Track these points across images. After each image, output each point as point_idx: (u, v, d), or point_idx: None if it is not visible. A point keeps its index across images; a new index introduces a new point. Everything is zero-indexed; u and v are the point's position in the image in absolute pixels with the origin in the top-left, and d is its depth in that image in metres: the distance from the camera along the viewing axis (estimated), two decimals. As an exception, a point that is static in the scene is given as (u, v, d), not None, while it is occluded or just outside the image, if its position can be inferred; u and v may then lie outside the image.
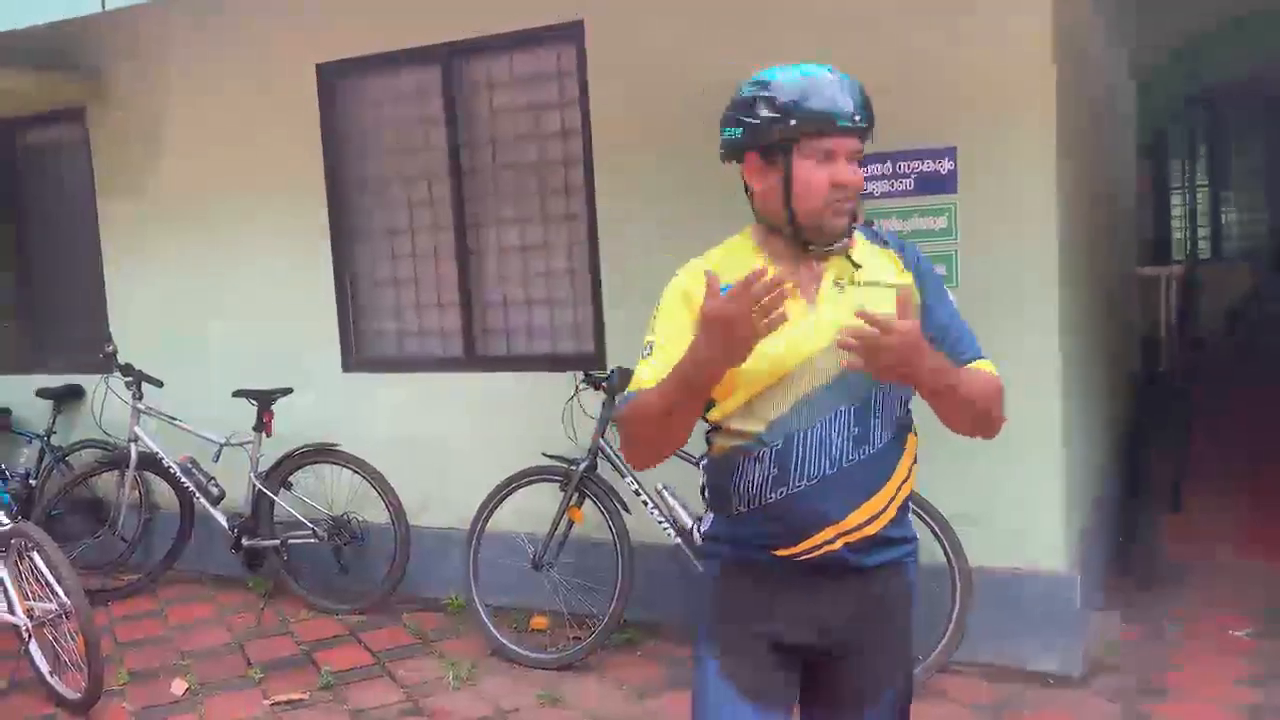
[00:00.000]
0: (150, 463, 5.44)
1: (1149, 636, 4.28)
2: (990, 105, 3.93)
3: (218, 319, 5.74)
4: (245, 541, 5.24)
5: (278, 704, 4.10)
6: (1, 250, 6.61)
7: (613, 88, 4.63)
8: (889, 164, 4.07)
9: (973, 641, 3.90)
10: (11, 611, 4.13)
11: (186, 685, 4.30)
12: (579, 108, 4.77)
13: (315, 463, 5.18)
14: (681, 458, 4.02)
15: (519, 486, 4.51)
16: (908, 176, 4.08)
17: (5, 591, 4.14)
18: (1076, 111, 4.52)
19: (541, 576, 4.48)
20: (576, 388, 4.49)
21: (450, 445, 5.17)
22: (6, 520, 4.21)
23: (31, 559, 4.15)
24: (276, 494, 5.19)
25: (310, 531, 5.11)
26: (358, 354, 5.47)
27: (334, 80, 5.34)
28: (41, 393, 6.17)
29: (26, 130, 6.42)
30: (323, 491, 5.23)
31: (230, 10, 5.43)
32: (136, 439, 5.40)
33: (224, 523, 5.25)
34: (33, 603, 4.12)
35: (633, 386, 1.92)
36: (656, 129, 4.53)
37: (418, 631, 4.82)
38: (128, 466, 5.41)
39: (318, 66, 5.33)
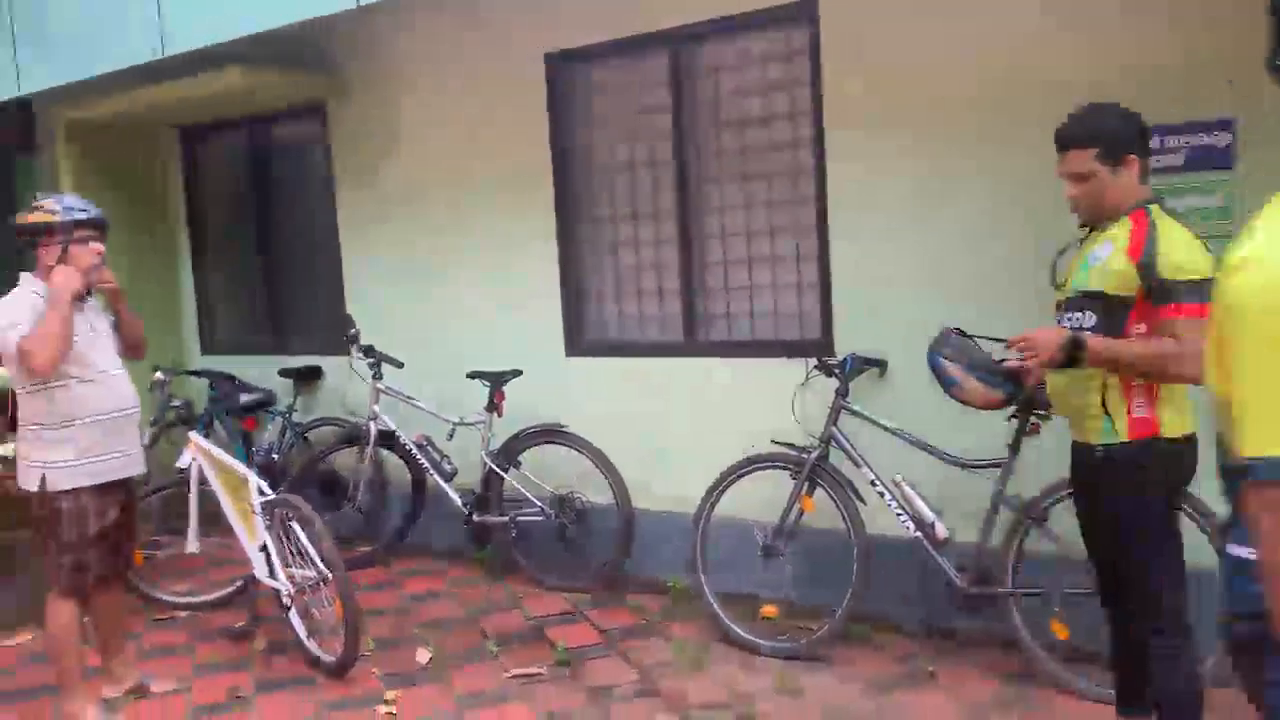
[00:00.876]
0: (387, 440, 5.71)
1: None
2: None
3: (447, 304, 5.96)
4: (476, 517, 5.42)
5: (517, 677, 4.22)
6: (249, 240, 7.07)
7: (848, 69, 4.51)
8: (1155, 139, 3.80)
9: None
10: (274, 577, 4.41)
11: (430, 654, 4.48)
12: (810, 89, 4.68)
13: (543, 443, 5.30)
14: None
15: (748, 472, 4.47)
16: (1177, 151, 3.80)
17: (269, 558, 4.42)
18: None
19: (771, 564, 4.43)
20: (808, 374, 4.41)
21: (670, 429, 5.20)
22: (270, 491, 4.48)
23: (291, 528, 4.42)
24: (506, 472, 5.34)
25: (538, 509, 5.24)
26: (580, 338, 5.57)
27: (562, 69, 5.43)
28: (284, 373, 6.57)
29: (272, 126, 6.82)
30: (549, 471, 5.36)
31: (464, 4, 5.60)
32: (376, 417, 5.68)
33: (457, 499, 5.45)
34: (293, 569, 4.38)
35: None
36: (895, 111, 4.39)
37: (643, 612, 4.87)
38: (367, 443, 5.69)
39: (546, 55, 5.43)
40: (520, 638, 4.68)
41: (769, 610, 4.55)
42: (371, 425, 5.68)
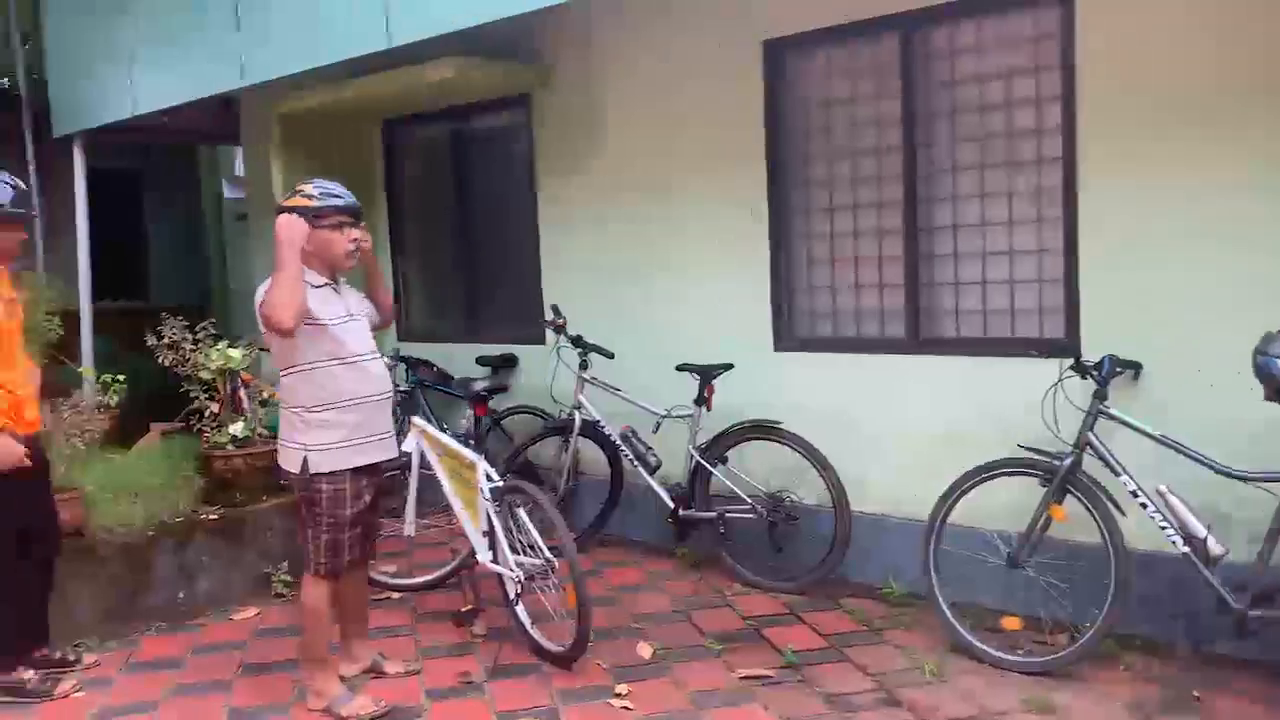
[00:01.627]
0: (590, 430, 5.69)
1: None
2: None
3: (650, 295, 5.90)
4: (682, 512, 5.35)
5: (747, 678, 4.11)
6: (446, 229, 7.17)
7: (1105, 51, 4.25)
8: None
9: None
10: (498, 562, 4.42)
11: (651, 649, 4.42)
12: (1060, 74, 4.43)
13: (755, 439, 5.18)
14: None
15: (990, 477, 4.26)
16: None
17: (494, 543, 4.43)
18: None
19: (1013, 575, 4.21)
20: (1061, 375, 4.17)
21: (886, 429, 5.02)
22: (497, 477, 4.49)
23: (519, 515, 4.41)
24: (715, 467, 5.25)
25: (748, 506, 5.13)
26: (790, 333, 5.44)
27: (781, 56, 5.30)
28: (481, 360, 6.63)
29: (471, 116, 6.90)
30: (756, 468, 5.25)
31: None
32: (580, 407, 5.66)
33: (662, 492, 5.39)
34: (521, 556, 4.37)
35: None
36: (1166, 96, 4.11)
37: (863, 618, 4.71)
38: (572, 433, 5.68)
39: (764, 43, 5.31)
40: (740, 637, 4.57)
41: (1010, 623, 4.33)
42: (576, 415, 5.67)
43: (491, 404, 6.53)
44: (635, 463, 5.48)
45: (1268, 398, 3.41)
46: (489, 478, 4.46)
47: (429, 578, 5.29)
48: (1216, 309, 4.04)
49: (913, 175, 4.93)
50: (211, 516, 5.19)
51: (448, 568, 5.28)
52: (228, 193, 10.66)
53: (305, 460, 3.73)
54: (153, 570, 4.95)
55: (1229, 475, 3.74)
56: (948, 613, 4.31)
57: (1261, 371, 3.24)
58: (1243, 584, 3.69)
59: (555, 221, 6.42)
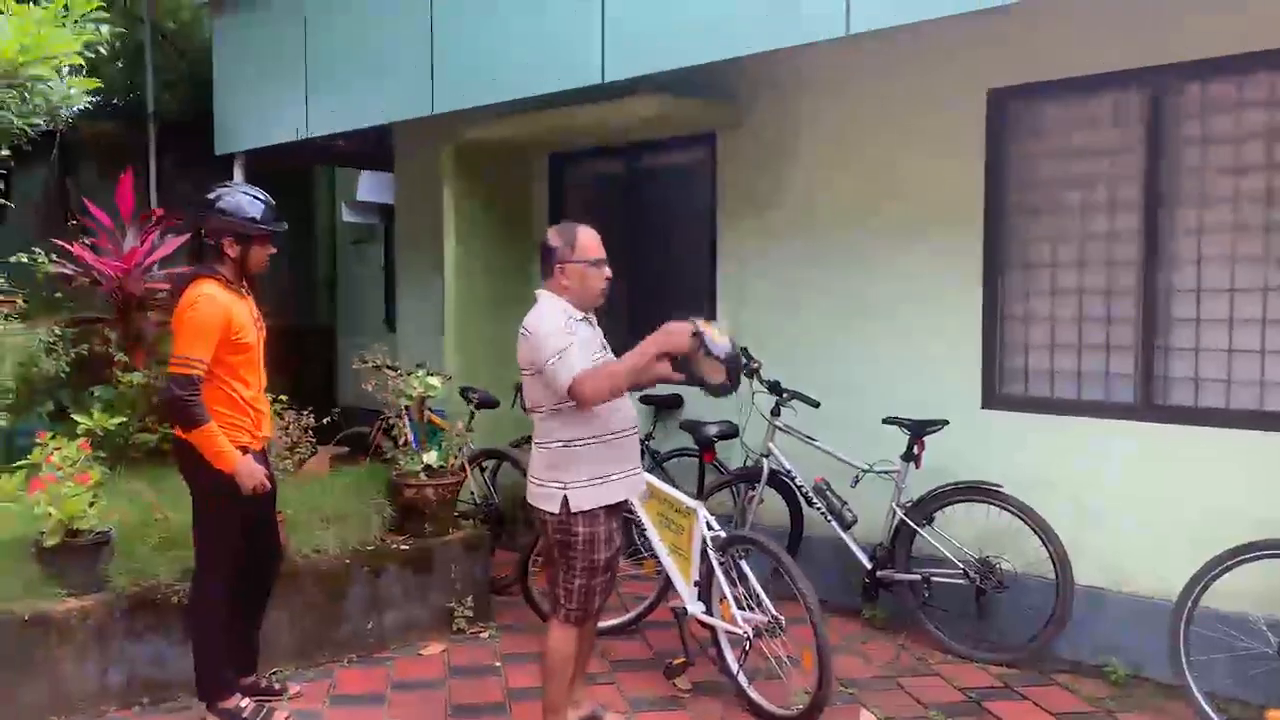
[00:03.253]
0: (779, 480, 5.51)
1: None
2: None
3: (846, 342, 5.73)
4: (880, 572, 5.14)
5: (992, 756, 3.89)
6: (618, 266, 7.06)
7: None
8: None
9: None
10: (718, 615, 4.24)
11: (875, 717, 4.21)
12: (1331, 136, 4.22)
13: (969, 500, 4.97)
14: None
15: (1249, 559, 4.00)
16: None
17: (713, 595, 4.26)
18: None
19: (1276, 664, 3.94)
20: (1337, 455, 3.92)
21: (1108, 498, 4.78)
22: (718, 526, 4.33)
23: (742, 567, 4.24)
24: (921, 528, 5.04)
25: (959, 570, 4.91)
26: (1000, 390, 5.23)
27: (1006, 105, 5.14)
28: (645, 399, 6.49)
29: (653, 153, 6.82)
30: (963, 532, 5.03)
31: (892, 42, 5.39)
32: (769, 454, 5.49)
33: (858, 550, 5.19)
34: (746, 611, 4.19)
35: None
36: None
37: (1089, 699, 4.45)
38: (759, 481, 5.51)
39: (989, 91, 5.16)
40: (961, 711, 4.34)
41: (1276, 715, 4.05)
42: (765, 462, 5.50)
43: (654, 445, 6.49)
44: (829, 517, 5.28)
45: None
46: (709, 526, 4.31)
47: (616, 621, 5.12)
48: None
49: (1153, 234, 4.72)
50: (402, 547, 5.09)
51: (635, 613, 5.12)
52: (346, 216, 10.75)
53: (565, 500, 3.59)
54: (346, 599, 4.85)
55: None
56: (1202, 701, 4.03)
57: None
58: None
59: (736, 262, 6.29)
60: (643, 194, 6.92)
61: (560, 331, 3.55)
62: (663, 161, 6.82)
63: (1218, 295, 4.61)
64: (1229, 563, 4.05)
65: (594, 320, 3.85)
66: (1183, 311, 4.71)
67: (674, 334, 3.56)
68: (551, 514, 3.62)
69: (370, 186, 10.04)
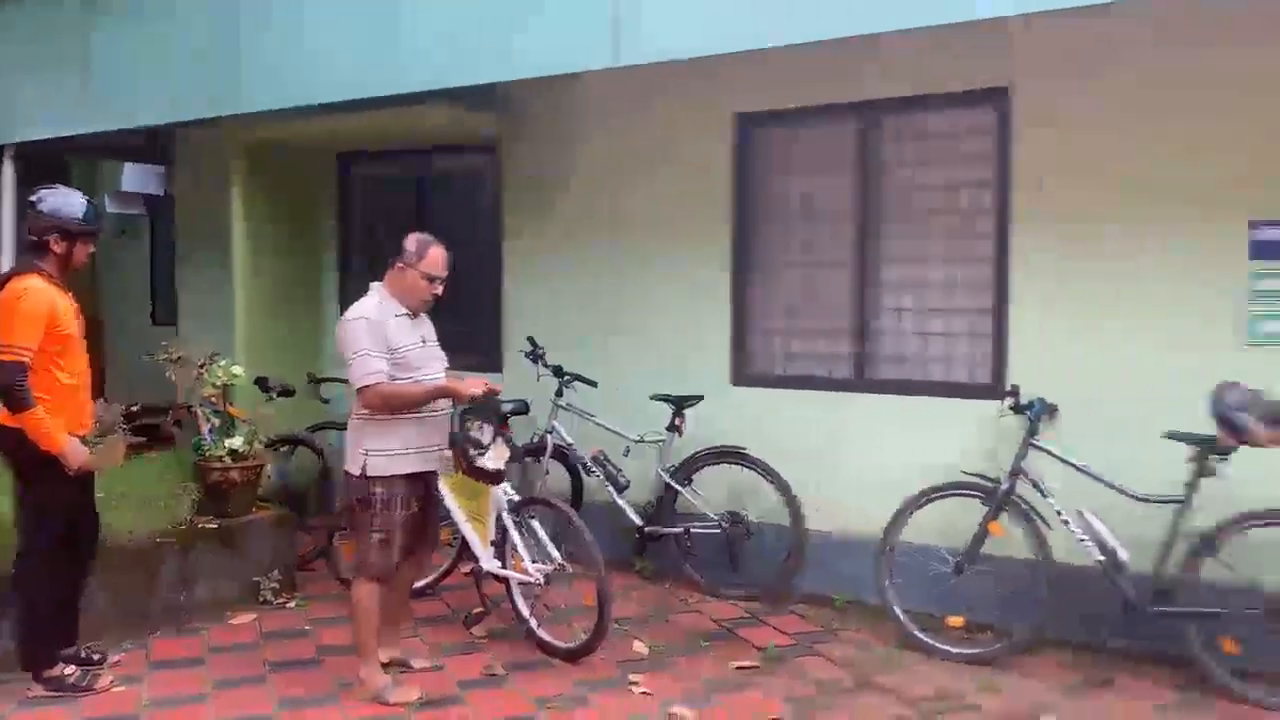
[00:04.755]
0: (561, 453, 6.21)
1: None
2: None
3: (619, 331, 6.49)
4: (648, 528, 5.94)
5: (741, 669, 4.73)
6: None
7: (1036, 146, 5.17)
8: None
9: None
10: (512, 568, 4.89)
11: (646, 647, 4.98)
12: (995, 165, 5.33)
13: (721, 463, 5.84)
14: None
15: (939, 497, 5.05)
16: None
17: (508, 551, 4.90)
18: None
19: (956, 583, 4.99)
20: (1000, 414, 5.02)
21: (831, 458, 5.75)
22: (513, 493, 4.97)
23: (532, 525, 4.90)
24: (683, 487, 5.87)
25: (714, 523, 5.77)
26: (747, 370, 6.13)
27: (751, 127, 6.04)
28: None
29: (441, 157, 7.31)
30: (716, 490, 5.90)
31: (655, 67, 6.17)
32: (553, 430, 6.18)
33: (630, 510, 5.96)
34: (536, 563, 4.84)
35: None
36: (1077, 187, 5.06)
37: (818, 621, 5.41)
38: (544, 455, 6.19)
39: (736, 115, 6.04)
40: (718, 636, 5.19)
41: (955, 621, 5.10)
42: (549, 439, 6.18)
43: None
44: (606, 483, 6.03)
45: (1221, 439, 4.29)
46: (505, 491, 4.94)
47: (421, 583, 5.66)
48: (1125, 361, 4.96)
49: (864, 240, 5.74)
50: (210, 526, 5.42)
51: (433, 576, 5.68)
52: (110, 207, 10.52)
53: (365, 464, 4.16)
54: (159, 575, 5.15)
55: (1135, 498, 4.63)
56: (900, 615, 5.06)
57: (1220, 419, 4.04)
58: (1143, 587, 4.59)
59: (521, 259, 6.91)
60: (433, 196, 7.42)
61: (369, 329, 4.11)
62: (453, 166, 7.35)
63: (914, 289, 5.68)
64: (918, 504, 5.09)
65: (421, 316, 4.42)
66: (889, 301, 5.75)
67: (461, 391, 4.35)
68: (354, 475, 4.20)
69: (135, 177, 9.89)
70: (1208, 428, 4.40)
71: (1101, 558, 4.67)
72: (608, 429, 6.11)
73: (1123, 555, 4.64)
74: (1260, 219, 4.65)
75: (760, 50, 4.67)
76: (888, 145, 5.71)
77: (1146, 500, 4.62)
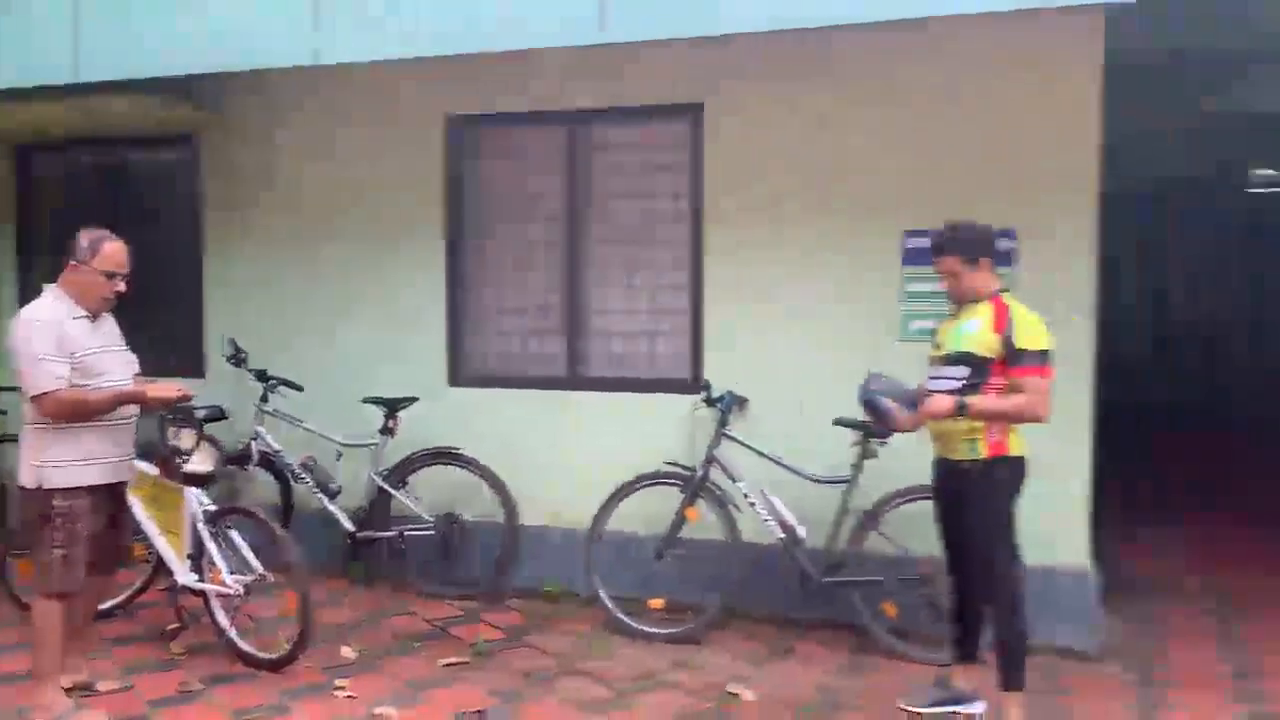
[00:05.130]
0: (268, 460, 6.03)
1: (1137, 627, 5.37)
2: (1045, 195, 5.02)
3: (330, 334, 6.37)
4: (360, 533, 5.88)
5: (450, 665, 4.79)
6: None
7: (726, 158, 5.56)
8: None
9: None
10: (209, 580, 4.71)
11: (354, 652, 4.94)
12: (690, 175, 5.69)
13: (435, 464, 5.87)
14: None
15: (641, 487, 5.33)
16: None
17: (205, 563, 4.72)
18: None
19: (657, 566, 5.28)
20: (694, 408, 5.36)
21: (548, 454, 5.93)
22: (209, 502, 4.78)
23: (230, 536, 4.75)
24: (396, 490, 5.85)
25: (428, 524, 5.79)
26: (464, 371, 6.20)
27: (463, 129, 6.11)
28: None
29: (143, 149, 6.89)
30: (431, 491, 5.93)
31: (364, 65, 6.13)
32: (257, 437, 5.99)
33: (342, 516, 5.88)
34: (236, 574, 4.69)
35: None
36: (762, 196, 5.49)
37: (532, 614, 5.56)
38: (250, 462, 5.98)
39: (447, 116, 6.10)
40: (430, 636, 5.23)
41: (656, 603, 5.38)
42: (253, 445, 5.99)
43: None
44: (316, 490, 5.91)
45: (869, 424, 4.71)
46: (200, 501, 4.75)
47: (108, 604, 5.33)
48: (802, 356, 5.42)
49: (573, 243, 5.95)
50: None
51: (125, 595, 5.37)
52: None
53: (45, 476, 3.90)
54: None
55: (811, 480, 5.09)
56: (607, 601, 5.29)
57: (867, 405, 4.50)
58: (818, 560, 5.05)
59: (223, 258, 6.63)
60: (127, 191, 6.98)
61: (43, 332, 3.86)
62: (148, 160, 6.93)
63: (622, 290, 5.95)
64: (623, 495, 5.35)
65: (104, 317, 4.17)
66: (598, 302, 5.99)
67: (148, 396, 4.15)
68: (29, 489, 3.92)
69: None
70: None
71: (782, 535, 5.10)
72: (317, 434, 5.99)
73: (801, 532, 5.08)
74: (911, 229, 5.21)
75: (471, 54, 4.77)
76: (595, 152, 5.95)
77: (820, 481, 5.09)
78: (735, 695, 4.46)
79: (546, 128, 5.98)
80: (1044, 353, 3.84)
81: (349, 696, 4.42)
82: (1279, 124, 9.79)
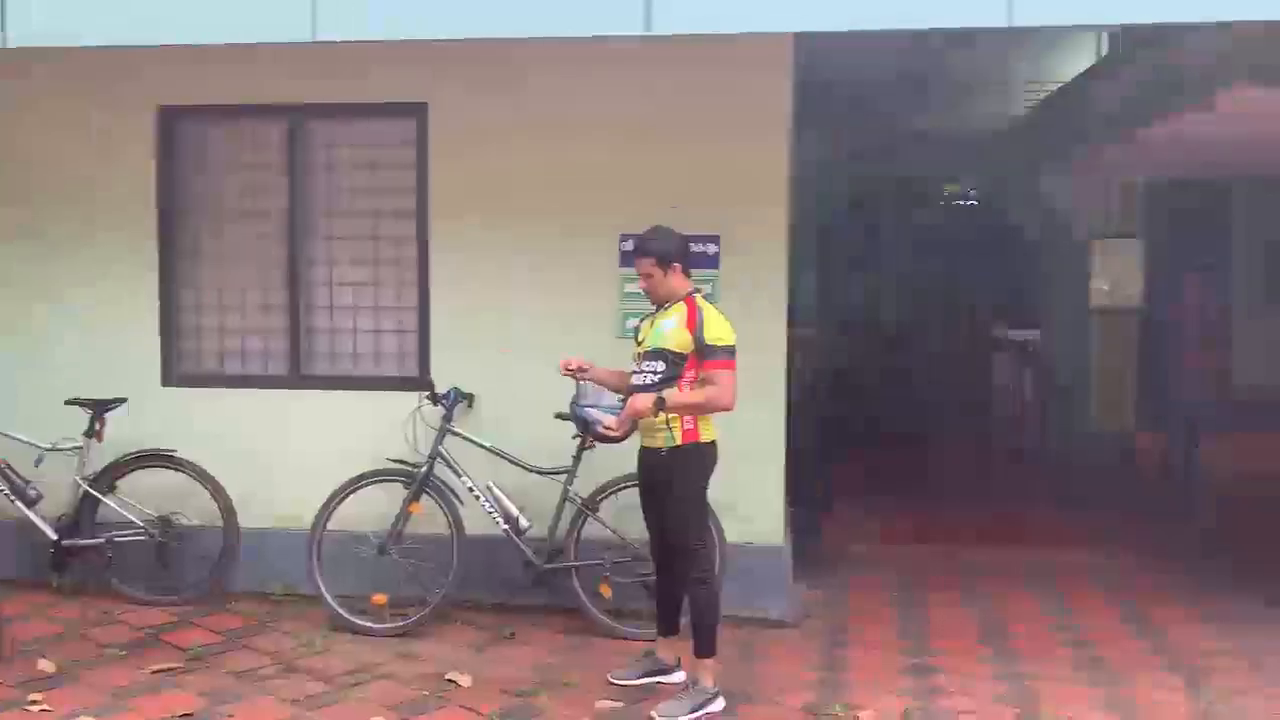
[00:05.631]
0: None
1: (830, 596, 5.94)
2: (744, 205, 5.47)
3: (29, 331, 5.99)
4: (65, 541, 5.57)
5: (158, 671, 4.66)
6: None
7: (453, 158, 5.68)
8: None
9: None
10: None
11: (53, 665, 4.70)
12: (415, 172, 5.76)
13: (148, 467, 5.64)
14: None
15: (364, 485, 5.36)
16: (686, 254, 5.49)
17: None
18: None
19: (382, 563, 5.33)
20: (420, 404, 5.45)
21: (271, 453, 5.84)
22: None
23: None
24: (105, 495, 5.59)
25: (141, 529, 5.56)
26: (178, 369, 5.99)
27: (176, 121, 5.91)
28: None
29: None
30: (147, 494, 5.70)
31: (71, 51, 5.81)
32: (-60, 443, 5.56)
33: (44, 524, 5.55)
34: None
35: None
36: (487, 197, 5.65)
37: (253, 616, 5.47)
38: (-71, 472, 5.54)
39: (160, 107, 5.88)
40: (140, 644, 5.05)
41: (379, 599, 5.41)
42: (-65, 454, 5.55)
43: None
44: (12, 497, 5.54)
45: (579, 434, 5.01)
46: None
47: None
48: (531, 353, 5.56)
49: (294, 239, 5.89)
50: None
51: None
52: None
53: None
54: None
55: (532, 471, 5.31)
56: (330, 600, 5.29)
57: (576, 418, 4.77)
58: (539, 549, 5.27)
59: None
60: None
61: None
62: None
63: (348, 287, 5.94)
64: (346, 493, 5.37)
65: None
66: (321, 301, 5.96)
67: None
68: None
69: None
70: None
71: (506, 526, 5.28)
72: (13, 438, 5.62)
73: (524, 522, 5.28)
74: (626, 233, 5.51)
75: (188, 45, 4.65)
76: (318, 149, 5.91)
77: (542, 473, 5.31)
78: (452, 682, 4.60)
79: (267, 121, 5.89)
80: (730, 348, 4.22)
81: (44, 710, 4.22)
82: (970, 142, 10.99)
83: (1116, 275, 10.08)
